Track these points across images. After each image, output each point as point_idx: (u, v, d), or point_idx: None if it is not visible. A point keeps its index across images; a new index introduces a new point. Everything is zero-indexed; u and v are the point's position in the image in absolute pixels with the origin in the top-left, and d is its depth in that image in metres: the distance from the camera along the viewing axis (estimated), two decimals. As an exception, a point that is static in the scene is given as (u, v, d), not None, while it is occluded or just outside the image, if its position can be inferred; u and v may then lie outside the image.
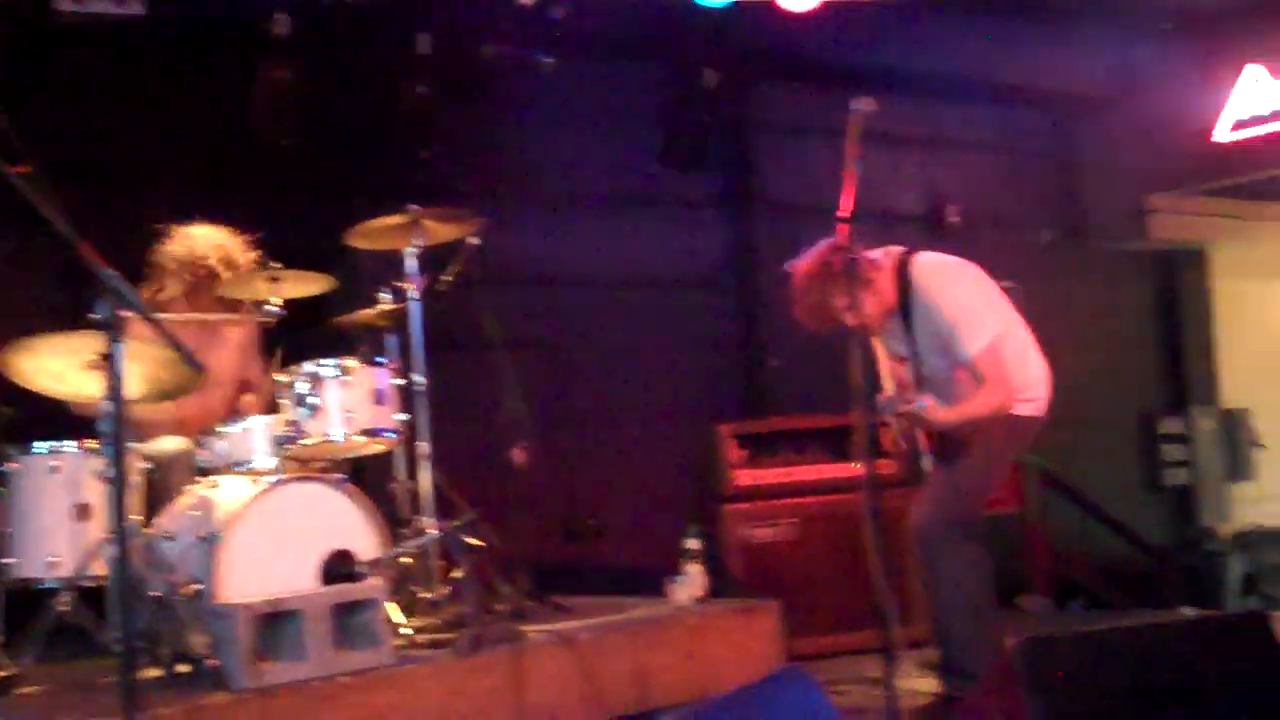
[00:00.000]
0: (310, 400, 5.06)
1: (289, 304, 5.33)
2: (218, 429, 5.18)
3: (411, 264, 5.40)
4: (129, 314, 3.51)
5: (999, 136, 10.29)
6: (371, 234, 5.45)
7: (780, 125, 9.25)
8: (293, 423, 5.06)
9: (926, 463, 5.34)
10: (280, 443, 5.04)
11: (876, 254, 5.21)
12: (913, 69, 9.14)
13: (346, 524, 4.91)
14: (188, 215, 5.77)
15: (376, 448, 5.36)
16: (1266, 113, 9.70)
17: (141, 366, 4.35)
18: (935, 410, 4.97)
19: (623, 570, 7.22)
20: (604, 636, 5.05)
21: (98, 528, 4.77)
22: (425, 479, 5.29)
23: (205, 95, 7.02)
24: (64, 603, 4.69)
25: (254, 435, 5.10)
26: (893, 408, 5.03)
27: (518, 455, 5.98)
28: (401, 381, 5.31)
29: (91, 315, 3.52)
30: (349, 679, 4.38)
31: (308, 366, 5.11)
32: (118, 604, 3.93)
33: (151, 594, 4.59)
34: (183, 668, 4.54)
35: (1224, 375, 11.92)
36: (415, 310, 5.37)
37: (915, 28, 9.08)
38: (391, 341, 5.60)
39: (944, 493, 5.18)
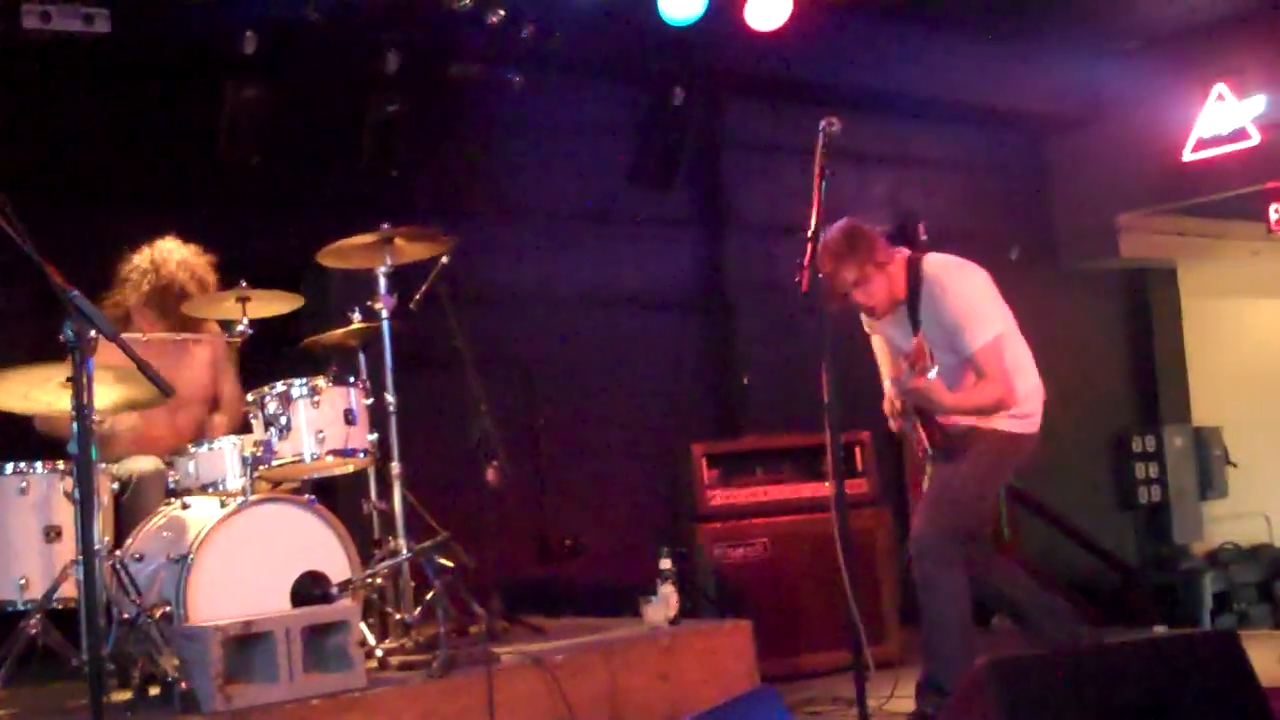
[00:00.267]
0: (281, 420, 5.04)
1: (259, 323, 5.31)
2: (188, 449, 5.14)
3: (382, 283, 5.38)
4: (95, 335, 3.49)
5: (969, 155, 10.33)
6: (342, 253, 5.43)
7: (751, 144, 9.26)
8: (263, 443, 5.03)
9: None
10: (251, 463, 5.01)
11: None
12: (882, 88, 9.19)
13: (318, 545, 4.90)
14: (156, 234, 5.74)
15: (348, 468, 5.34)
16: (1228, 132, 9.76)
17: (110, 382, 4.32)
18: (941, 388, 5.00)
19: (597, 590, 7.19)
20: (577, 657, 5.03)
21: (68, 549, 4.72)
22: (397, 499, 5.28)
23: (173, 114, 6.98)
24: (34, 625, 4.64)
25: (225, 456, 5.07)
26: (906, 383, 5.04)
27: (491, 475, 5.96)
28: (373, 401, 5.29)
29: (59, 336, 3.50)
30: (321, 701, 4.35)
31: (278, 386, 5.09)
32: (86, 626, 3.89)
33: (122, 616, 4.56)
34: (153, 690, 4.51)
35: (1195, 393, 11.98)
36: (386, 329, 5.35)
37: (885, 46, 9.12)
38: (363, 361, 5.58)
39: (941, 508, 5.20)
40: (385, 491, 5.41)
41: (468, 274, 5.97)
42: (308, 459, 5.05)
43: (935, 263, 5.25)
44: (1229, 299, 12.69)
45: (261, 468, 5.02)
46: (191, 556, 4.59)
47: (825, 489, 6.59)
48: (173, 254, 5.64)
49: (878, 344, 5.59)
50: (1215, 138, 9.84)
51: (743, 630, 5.58)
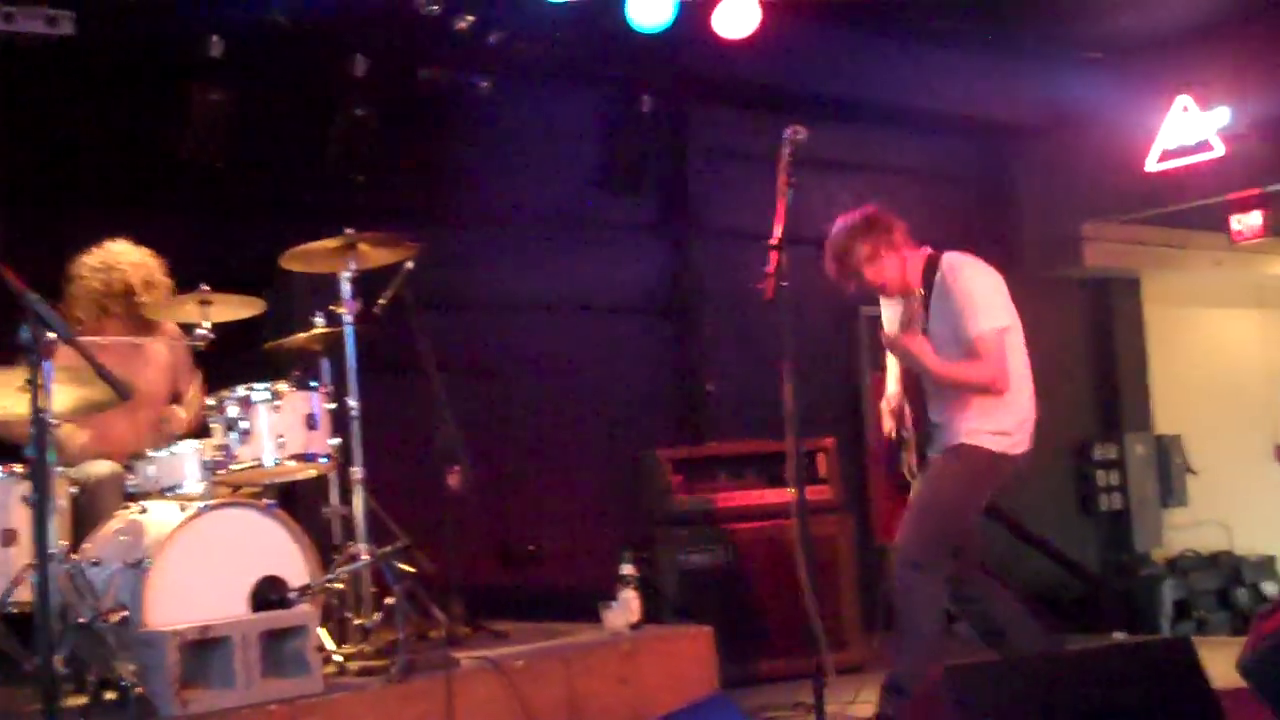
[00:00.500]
0: (241, 425, 5.02)
1: (222, 327, 5.29)
2: (147, 452, 5.12)
3: (346, 288, 5.37)
4: (52, 337, 3.47)
5: (935, 164, 10.38)
6: (306, 257, 5.41)
7: (718, 151, 9.29)
8: (223, 447, 5.01)
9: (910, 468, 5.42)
10: (210, 467, 4.99)
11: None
12: (849, 96, 9.22)
13: (277, 550, 4.87)
14: (119, 238, 5.71)
15: (309, 473, 5.32)
16: (1192, 143, 9.83)
17: (68, 385, 4.30)
18: (929, 349, 5.09)
19: (558, 595, 7.19)
20: (537, 663, 5.03)
21: (24, 553, 4.69)
22: (358, 504, 5.26)
23: (138, 117, 6.95)
24: (-10, 630, 4.61)
25: (184, 460, 5.04)
26: (897, 338, 5.15)
27: (453, 480, 5.95)
28: (335, 406, 5.27)
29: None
30: (278, 707, 4.34)
31: (239, 390, 5.06)
32: (40, 631, 3.87)
33: (78, 620, 4.53)
34: (109, 695, 4.48)
35: (1157, 402, 12.06)
36: (349, 334, 5.34)
37: (852, 55, 9.16)
38: (325, 365, 5.57)
39: (926, 519, 5.22)
40: (346, 496, 5.39)
41: (433, 279, 5.95)
42: (268, 464, 5.02)
43: (952, 257, 5.35)
44: (1191, 309, 12.78)
45: (221, 472, 5.00)
46: (149, 561, 4.57)
47: (788, 495, 6.65)
48: (124, 256, 5.61)
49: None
50: (1179, 149, 9.92)
51: (704, 636, 5.58)
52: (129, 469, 5.16)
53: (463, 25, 7.24)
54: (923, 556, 5.14)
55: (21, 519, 4.72)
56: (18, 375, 4.00)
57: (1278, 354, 13.65)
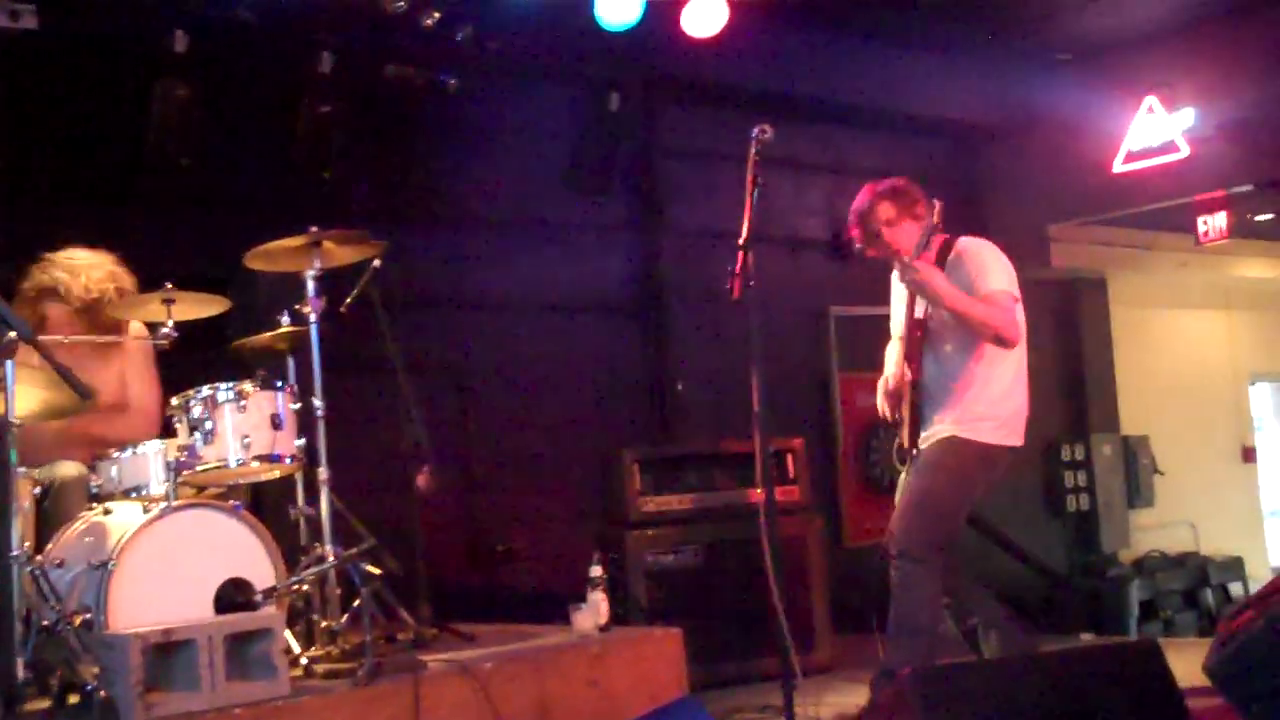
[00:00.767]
0: (206, 425, 4.96)
1: (185, 326, 5.24)
2: (111, 453, 5.06)
3: (311, 286, 5.32)
4: (12, 336, 3.43)
5: (902, 164, 10.34)
6: (270, 255, 5.35)
7: (687, 150, 9.28)
8: (188, 448, 4.96)
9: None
10: (175, 468, 4.93)
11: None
12: (817, 96, 9.25)
13: (242, 551, 4.82)
14: (83, 234, 5.64)
15: (274, 474, 5.27)
16: (1158, 145, 9.87)
17: (31, 387, 4.25)
18: (940, 275, 5.23)
19: (527, 597, 7.17)
20: (506, 665, 4.99)
21: (-14, 556, 4.63)
22: (325, 505, 5.21)
23: (101, 113, 6.89)
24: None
25: (148, 460, 4.98)
26: (908, 266, 5.26)
27: (421, 480, 5.91)
28: (301, 406, 5.23)
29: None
30: (243, 710, 4.29)
31: (203, 390, 5.01)
32: (4, 635, 3.82)
33: (41, 623, 4.47)
34: (73, 699, 4.42)
35: (1124, 402, 12.12)
36: (315, 333, 5.29)
37: (820, 55, 9.18)
38: (291, 365, 5.52)
39: (923, 512, 5.25)
40: (313, 497, 5.35)
41: (400, 278, 5.91)
42: (233, 464, 4.97)
43: (967, 239, 5.50)
44: (1157, 310, 12.85)
45: (185, 473, 4.94)
46: (113, 562, 4.51)
47: (757, 495, 6.64)
48: (88, 266, 5.50)
49: (896, 327, 5.68)
50: (1145, 150, 9.96)
51: (673, 637, 5.56)
52: (93, 470, 5.10)
53: (430, 22, 7.20)
54: (919, 550, 5.17)
55: (-17, 521, 4.66)
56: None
57: (1244, 355, 13.77)
